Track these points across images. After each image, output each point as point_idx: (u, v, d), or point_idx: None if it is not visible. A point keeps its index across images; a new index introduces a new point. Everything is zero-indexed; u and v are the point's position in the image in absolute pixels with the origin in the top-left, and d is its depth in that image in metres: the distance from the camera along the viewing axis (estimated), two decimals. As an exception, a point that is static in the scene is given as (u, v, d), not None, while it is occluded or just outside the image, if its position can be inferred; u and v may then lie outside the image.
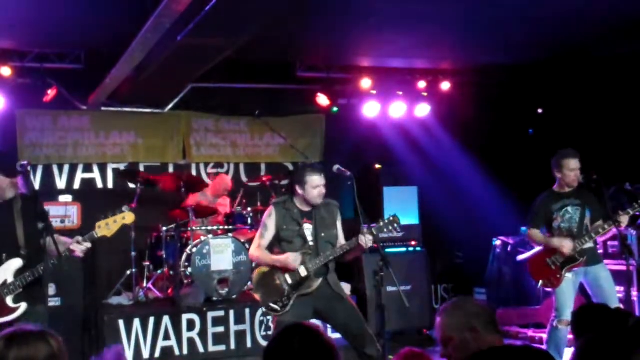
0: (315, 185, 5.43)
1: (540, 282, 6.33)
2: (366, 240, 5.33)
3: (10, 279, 4.66)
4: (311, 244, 5.47)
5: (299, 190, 5.49)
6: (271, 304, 5.41)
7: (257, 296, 5.52)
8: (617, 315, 3.55)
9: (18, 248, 4.74)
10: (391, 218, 5.58)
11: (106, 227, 4.91)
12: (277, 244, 5.53)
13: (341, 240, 5.65)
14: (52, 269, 4.70)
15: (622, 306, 6.12)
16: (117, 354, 2.56)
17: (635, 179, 8.09)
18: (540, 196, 6.52)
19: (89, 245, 4.85)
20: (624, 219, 6.05)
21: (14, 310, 4.61)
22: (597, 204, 6.34)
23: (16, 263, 4.69)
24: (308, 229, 5.51)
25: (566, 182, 6.33)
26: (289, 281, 5.40)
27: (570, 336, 6.78)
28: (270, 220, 5.53)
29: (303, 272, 5.39)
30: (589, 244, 6.22)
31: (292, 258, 5.37)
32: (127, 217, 5.00)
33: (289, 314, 5.35)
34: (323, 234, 5.53)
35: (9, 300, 4.63)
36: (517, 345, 2.67)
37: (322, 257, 5.41)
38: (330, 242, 5.54)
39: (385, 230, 5.67)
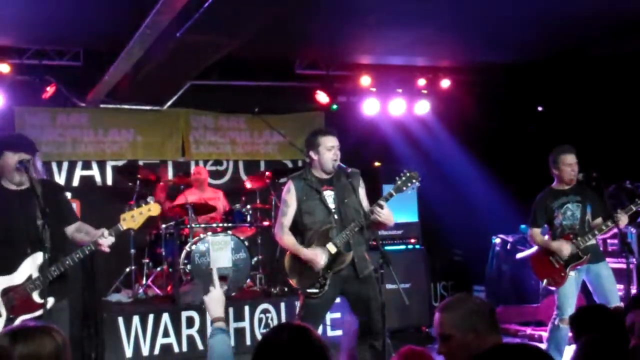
0: (329, 146, 5.32)
1: (545, 280, 6.29)
2: (385, 210, 5.21)
3: (35, 274, 4.50)
4: (334, 211, 5.30)
5: (314, 156, 5.38)
6: (309, 289, 5.25)
7: (292, 282, 5.35)
8: (615, 316, 3.54)
9: (40, 240, 4.52)
10: (408, 173, 5.34)
11: (132, 220, 4.71)
12: (300, 217, 5.35)
13: (365, 206, 5.41)
14: (77, 262, 4.60)
15: (622, 304, 6.08)
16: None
17: (635, 176, 8.11)
18: (540, 194, 6.50)
19: (113, 239, 4.65)
20: (624, 218, 6.03)
21: (41, 306, 4.41)
22: (598, 200, 6.32)
23: (39, 258, 4.49)
24: (329, 196, 5.34)
25: (564, 178, 6.31)
26: (322, 261, 5.25)
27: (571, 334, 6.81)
28: (289, 195, 5.36)
29: (332, 249, 5.25)
30: (592, 241, 6.20)
31: (318, 257, 5.21)
32: (153, 208, 4.78)
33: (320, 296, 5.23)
34: (346, 200, 5.34)
35: (35, 296, 4.49)
36: (513, 344, 2.66)
37: (348, 230, 5.23)
38: (355, 208, 5.34)
39: (404, 188, 5.34)
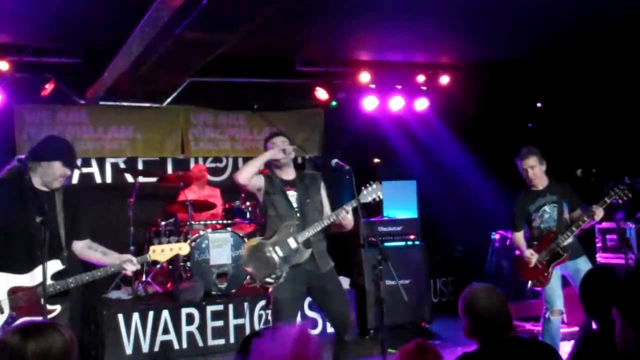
0: (275, 144, 5.61)
1: (530, 282, 6.38)
2: (348, 215, 5.40)
3: (49, 281, 4.42)
4: (296, 210, 5.45)
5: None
6: (265, 279, 5.34)
7: (249, 270, 5.45)
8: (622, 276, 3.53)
9: (60, 248, 4.55)
10: (375, 185, 5.54)
11: (161, 253, 4.84)
12: (265, 207, 5.54)
13: (326, 208, 5.63)
14: (97, 279, 4.65)
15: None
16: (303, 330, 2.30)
17: (634, 172, 8.10)
18: (516, 197, 6.53)
19: (139, 266, 4.80)
20: (599, 211, 6.07)
21: (48, 312, 4.40)
22: (573, 194, 6.39)
23: (55, 265, 4.50)
24: (292, 196, 5.50)
25: (526, 181, 6.41)
26: (280, 253, 5.35)
27: (565, 330, 6.86)
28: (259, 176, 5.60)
29: (293, 244, 5.36)
30: (570, 239, 6.23)
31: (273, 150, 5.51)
32: (183, 248, 4.97)
33: (285, 290, 5.32)
34: (308, 200, 5.51)
35: (43, 301, 4.41)
36: (526, 338, 2.68)
37: (310, 229, 5.37)
38: (317, 209, 5.54)
39: (369, 198, 5.52)
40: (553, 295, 6.20)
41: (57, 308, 4.53)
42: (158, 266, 8.34)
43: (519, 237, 6.46)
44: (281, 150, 5.53)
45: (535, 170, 6.32)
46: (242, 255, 5.56)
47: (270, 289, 5.41)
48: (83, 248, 4.81)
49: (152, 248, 4.85)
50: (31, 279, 4.49)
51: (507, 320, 3.17)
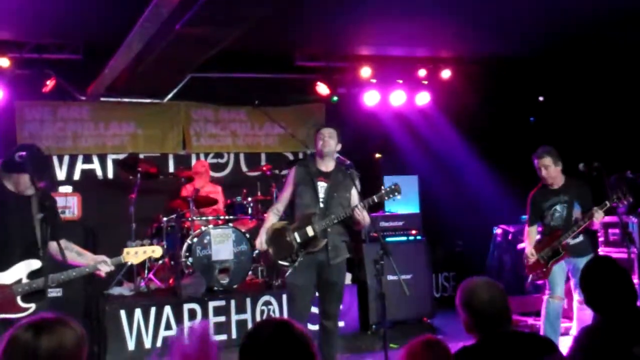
0: (319, 136, 5.78)
1: (531, 276, 6.59)
2: (362, 213, 5.64)
3: (25, 279, 4.56)
4: (321, 201, 5.71)
5: (315, 147, 5.88)
6: (281, 261, 5.73)
7: (269, 250, 5.79)
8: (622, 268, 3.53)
9: (36, 247, 4.62)
10: (392, 186, 5.77)
11: (134, 255, 5.01)
12: (295, 199, 5.83)
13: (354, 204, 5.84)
14: (71, 279, 4.73)
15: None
16: (202, 332, 2.48)
17: (636, 167, 8.10)
18: (534, 192, 6.65)
19: (113, 267, 4.90)
20: (598, 214, 6.18)
21: (23, 309, 4.52)
22: (587, 196, 6.47)
23: (33, 264, 4.59)
24: (322, 187, 5.74)
25: (542, 179, 6.54)
26: (298, 239, 5.67)
27: (564, 325, 6.90)
28: (290, 178, 5.90)
29: (310, 232, 5.64)
30: (578, 239, 6.38)
31: (258, 240, 5.83)
32: (156, 250, 5.16)
33: (299, 277, 5.68)
34: (336, 194, 5.74)
35: (19, 299, 4.54)
36: (525, 332, 2.68)
37: (327, 220, 5.64)
38: (342, 205, 5.74)
39: (386, 197, 5.84)
40: (554, 283, 6.42)
41: (32, 306, 4.58)
42: (160, 262, 8.35)
43: (530, 232, 6.66)
44: (321, 141, 5.77)
45: (550, 170, 6.43)
46: (267, 235, 5.82)
47: (286, 274, 5.76)
48: (56, 250, 4.79)
49: (125, 250, 5.00)
50: (9, 277, 4.57)
51: (506, 314, 3.18)
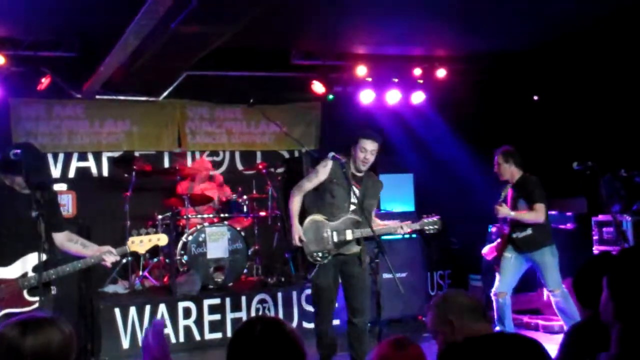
0: (363, 147, 5.73)
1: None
2: (404, 229, 5.91)
3: (30, 273, 4.58)
4: (355, 205, 5.75)
5: (352, 151, 5.83)
6: (314, 254, 5.72)
7: (304, 240, 5.74)
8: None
9: (39, 241, 4.57)
10: (436, 219, 6.00)
11: (139, 244, 4.99)
12: (321, 193, 5.84)
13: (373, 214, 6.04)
14: (78, 270, 4.75)
15: (564, 287, 6.56)
16: (157, 330, 2.59)
17: (630, 165, 8.12)
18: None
19: (118, 257, 4.91)
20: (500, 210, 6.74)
21: (29, 303, 4.55)
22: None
23: (37, 258, 4.54)
24: (355, 191, 5.76)
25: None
26: (335, 239, 5.73)
27: (559, 323, 6.95)
28: (324, 169, 5.80)
29: (349, 236, 5.72)
30: (525, 232, 6.72)
31: (296, 235, 5.72)
32: (162, 238, 5.14)
33: (325, 277, 5.75)
34: (366, 201, 5.82)
35: (25, 293, 4.56)
36: (508, 333, 2.68)
37: (366, 230, 5.69)
38: (369, 211, 5.84)
39: (425, 228, 6.02)
40: (500, 280, 6.85)
41: (38, 301, 4.59)
42: (155, 260, 8.35)
43: None
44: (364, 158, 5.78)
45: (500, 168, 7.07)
46: (304, 224, 5.79)
47: (312, 273, 5.78)
48: (63, 240, 4.89)
49: (130, 239, 5.00)
50: (13, 271, 4.59)
51: (483, 312, 3.19)
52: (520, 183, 6.77)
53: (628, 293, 2.38)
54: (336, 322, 6.34)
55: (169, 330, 7.42)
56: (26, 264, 4.59)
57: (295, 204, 5.84)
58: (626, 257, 2.54)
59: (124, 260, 8.18)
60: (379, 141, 5.85)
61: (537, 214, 6.62)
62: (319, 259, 5.73)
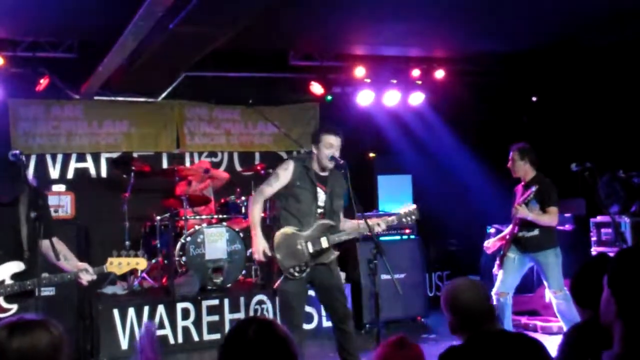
0: (329, 144, 5.42)
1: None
2: (381, 225, 5.54)
3: (8, 281, 4.52)
4: (321, 209, 5.49)
5: (314, 150, 5.50)
6: (290, 269, 5.39)
7: (277, 256, 5.43)
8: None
9: (21, 249, 4.58)
10: (410, 209, 5.67)
11: (118, 266, 4.93)
12: (286, 199, 5.52)
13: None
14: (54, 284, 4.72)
15: (566, 289, 6.50)
16: (149, 332, 2.62)
17: (628, 166, 8.13)
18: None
19: (95, 277, 4.83)
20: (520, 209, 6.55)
21: (5, 310, 4.50)
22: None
23: (16, 266, 4.55)
24: (321, 194, 5.49)
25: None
26: (311, 250, 5.43)
27: (558, 324, 6.96)
28: (285, 172, 5.47)
29: (325, 243, 5.44)
30: (532, 232, 6.64)
31: (260, 247, 5.36)
32: (140, 263, 5.07)
33: (292, 283, 5.42)
34: (334, 203, 5.55)
35: (1, 300, 4.52)
36: (512, 332, 2.68)
37: (344, 234, 5.50)
38: (337, 213, 5.60)
39: (404, 220, 5.72)
40: (501, 279, 6.80)
41: (14, 307, 4.57)
42: (153, 261, 8.34)
43: None
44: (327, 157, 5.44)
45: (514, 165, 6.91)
46: (274, 240, 5.44)
47: (277, 283, 5.45)
48: (48, 247, 4.78)
49: (109, 260, 4.93)
50: None
51: (490, 312, 3.20)
52: (536, 184, 6.61)
53: (630, 291, 2.39)
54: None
55: (167, 331, 7.42)
56: (4, 272, 4.53)
57: (256, 211, 5.46)
58: (626, 256, 2.56)
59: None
60: (342, 136, 5.52)
61: (552, 217, 6.58)
62: (297, 274, 5.40)
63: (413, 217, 5.69)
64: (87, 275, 4.74)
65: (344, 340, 5.54)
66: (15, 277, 4.55)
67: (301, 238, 5.45)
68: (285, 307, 5.51)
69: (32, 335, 2.50)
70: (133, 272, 8.19)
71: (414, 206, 5.73)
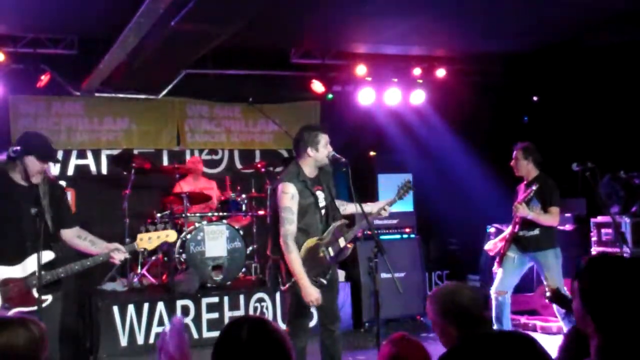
0: (326, 142, 5.36)
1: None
2: (387, 209, 5.58)
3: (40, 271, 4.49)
4: (324, 211, 5.38)
5: (311, 153, 5.32)
6: (318, 277, 5.23)
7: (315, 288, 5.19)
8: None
9: (51, 238, 4.61)
10: (405, 182, 5.74)
11: (148, 241, 4.93)
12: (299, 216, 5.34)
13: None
14: (86, 269, 4.72)
15: (566, 289, 6.44)
16: (177, 328, 2.57)
17: (629, 166, 8.12)
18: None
19: (127, 255, 4.85)
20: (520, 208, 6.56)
21: (41, 302, 4.46)
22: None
23: (46, 255, 4.53)
24: (320, 196, 5.39)
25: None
26: (332, 254, 5.35)
27: (557, 324, 6.97)
28: (293, 200, 5.17)
29: (342, 242, 5.42)
30: (533, 232, 6.66)
31: (313, 298, 5.09)
32: (170, 235, 5.04)
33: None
34: (332, 201, 5.47)
35: (34, 291, 4.50)
36: (504, 331, 2.68)
37: (356, 227, 5.51)
38: (336, 209, 5.52)
39: (404, 196, 5.77)
40: (500, 278, 6.84)
41: (49, 298, 4.59)
42: (153, 257, 8.35)
43: None
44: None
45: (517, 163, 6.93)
46: (302, 256, 5.17)
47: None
48: (72, 237, 4.85)
49: (139, 236, 4.92)
50: (22, 270, 4.55)
51: (486, 312, 3.20)
52: (537, 183, 6.60)
53: (605, 307, 2.40)
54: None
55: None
56: (35, 262, 4.48)
57: (297, 259, 5.09)
58: (597, 270, 2.54)
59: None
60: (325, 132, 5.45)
61: (554, 217, 6.58)
62: (322, 279, 5.26)
63: (409, 187, 5.74)
64: (119, 254, 4.75)
65: (331, 342, 5.42)
66: (46, 266, 4.52)
67: (322, 246, 5.33)
68: (296, 309, 5.29)
69: (10, 332, 2.51)
70: (133, 268, 8.21)
71: (406, 179, 5.80)
